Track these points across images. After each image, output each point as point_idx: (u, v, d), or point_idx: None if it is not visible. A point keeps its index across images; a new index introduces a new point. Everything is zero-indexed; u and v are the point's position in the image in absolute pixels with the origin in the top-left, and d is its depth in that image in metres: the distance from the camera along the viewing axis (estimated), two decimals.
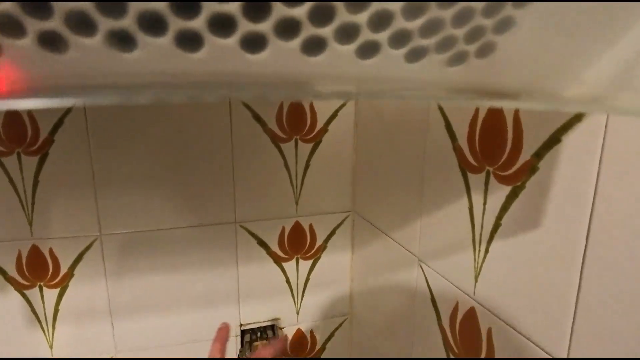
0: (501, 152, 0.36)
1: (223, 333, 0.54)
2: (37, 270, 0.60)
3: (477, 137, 0.39)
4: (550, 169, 0.31)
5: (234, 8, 0.09)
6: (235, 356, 0.70)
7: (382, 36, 0.11)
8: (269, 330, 0.71)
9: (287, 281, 0.70)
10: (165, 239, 0.63)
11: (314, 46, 0.11)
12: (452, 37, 0.12)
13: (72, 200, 0.58)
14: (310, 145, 0.66)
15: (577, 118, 0.29)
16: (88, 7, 0.09)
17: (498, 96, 0.19)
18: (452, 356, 0.45)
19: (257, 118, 0.62)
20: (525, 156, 0.33)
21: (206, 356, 0.53)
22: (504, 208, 0.36)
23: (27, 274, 0.60)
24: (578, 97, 0.21)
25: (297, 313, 0.73)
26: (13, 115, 0.55)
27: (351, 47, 0.11)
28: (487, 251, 0.38)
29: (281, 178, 0.66)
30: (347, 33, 0.11)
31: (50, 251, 0.60)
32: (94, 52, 0.10)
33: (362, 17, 0.10)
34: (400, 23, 0.11)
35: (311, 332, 0.74)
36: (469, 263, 0.41)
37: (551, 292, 0.32)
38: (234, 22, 0.10)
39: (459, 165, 0.41)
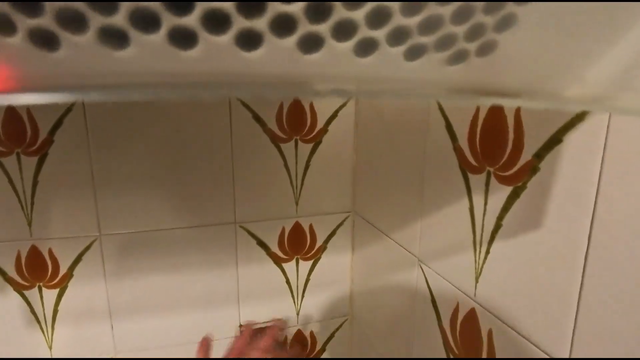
0: (502, 153, 0.35)
1: (204, 345, 0.54)
2: (37, 270, 0.60)
3: (477, 137, 0.38)
4: (552, 169, 0.31)
5: (228, 5, 0.09)
6: None
7: (380, 33, 0.11)
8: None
9: (287, 282, 0.70)
10: (165, 239, 0.63)
11: (311, 44, 0.11)
12: (452, 35, 0.12)
13: (71, 201, 0.58)
14: (310, 146, 0.66)
15: (579, 118, 0.29)
16: (79, 3, 0.09)
17: (498, 95, 0.19)
18: (452, 357, 0.44)
19: (257, 118, 0.62)
20: (526, 156, 0.33)
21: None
22: (505, 209, 0.36)
23: (26, 274, 0.60)
24: (579, 97, 0.21)
25: (297, 314, 0.72)
26: (12, 115, 0.55)
27: (348, 45, 0.11)
28: (487, 252, 0.38)
29: (281, 178, 0.65)
30: (344, 30, 0.10)
31: (50, 251, 0.59)
32: (86, 49, 0.10)
33: (359, 14, 0.10)
34: (398, 20, 0.11)
35: (311, 332, 0.74)
36: (469, 264, 0.40)
37: (552, 293, 0.31)
38: (229, 19, 0.10)
39: (460, 165, 0.41)
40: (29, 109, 0.55)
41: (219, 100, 0.61)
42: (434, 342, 0.47)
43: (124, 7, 0.09)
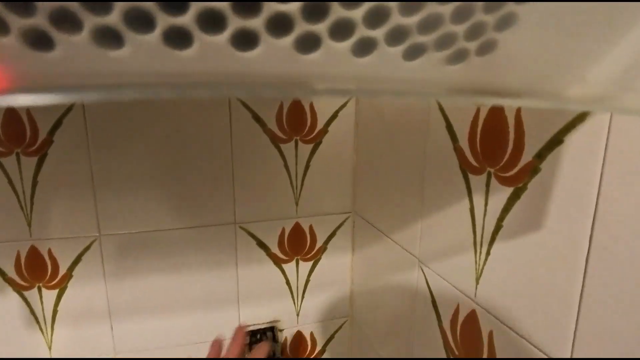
0: (502, 153, 0.35)
1: (215, 347, 0.53)
2: (36, 271, 0.60)
3: (478, 138, 0.38)
4: (553, 170, 0.31)
5: (223, 4, 0.09)
6: None
7: (379, 33, 0.11)
8: (269, 332, 0.71)
9: (287, 283, 0.70)
10: (165, 239, 0.63)
11: (308, 43, 0.10)
12: (452, 34, 0.12)
13: (71, 201, 0.58)
14: (310, 146, 0.65)
15: (580, 118, 0.29)
16: (72, 3, 0.09)
17: (499, 95, 0.19)
18: (452, 358, 0.44)
19: (257, 118, 0.62)
20: (527, 157, 0.33)
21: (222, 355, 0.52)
22: (506, 209, 0.35)
23: (25, 274, 0.59)
24: (580, 97, 0.21)
25: (297, 315, 0.72)
26: (12, 116, 0.55)
27: (346, 45, 0.11)
28: (488, 253, 0.38)
29: (281, 179, 0.65)
30: (342, 30, 0.10)
31: (49, 252, 0.59)
32: (80, 50, 0.10)
33: (357, 13, 0.10)
34: (397, 19, 0.10)
35: (311, 334, 0.74)
36: (470, 265, 0.40)
37: (553, 295, 0.31)
38: (224, 18, 0.09)
39: (460, 166, 0.41)
40: (28, 109, 0.55)
41: (219, 100, 0.60)
42: (434, 344, 0.47)
43: (118, 7, 0.09)
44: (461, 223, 0.41)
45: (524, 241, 0.34)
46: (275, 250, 0.68)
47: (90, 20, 0.09)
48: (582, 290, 0.29)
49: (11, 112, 0.54)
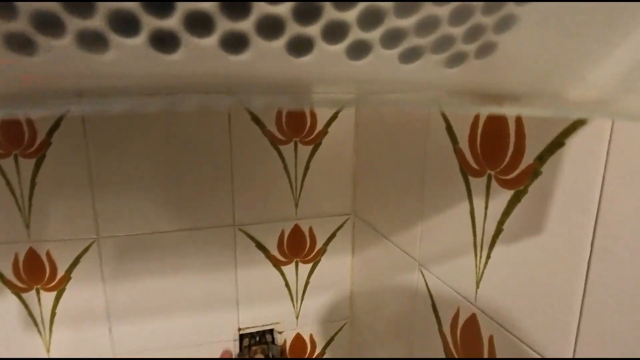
0: (503, 156, 0.35)
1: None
2: (34, 273, 0.59)
3: (478, 140, 0.38)
4: (554, 173, 0.30)
5: (210, 5, 0.09)
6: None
7: (374, 35, 0.10)
8: (268, 335, 0.70)
9: (287, 285, 0.70)
10: (164, 242, 0.62)
11: (300, 46, 0.10)
12: (450, 36, 0.11)
13: (69, 203, 0.58)
14: (310, 148, 0.65)
15: (582, 121, 0.29)
16: (54, 6, 0.09)
17: (498, 100, 0.19)
18: None
19: (256, 120, 0.62)
20: (527, 160, 0.32)
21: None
22: (506, 213, 0.35)
23: (24, 276, 0.59)
24: (582, 100, 0.20)
25: (297, 317, 0.72)
26: (10, 117, 0.54)
27: (340, 47, 0.10)
28: (488, 256, 0.37)
29: (280, 181, 0.65)
30: (336, 32, 0.10)
31: (48, 254, 0.59)
32: (64, 54, 0.09)
33: (350, 15, 0.09)
34: (392, 21, 0.10)
35: (311, 336, 0.74)
36: (470, 268, 0.40)
37: (555, 299, 0.31)
38: (212, 20, 0.09)
39: (460, 168, 0.40)
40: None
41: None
42: (434, 347, 0.47)
43: (102, 10, 0.09)
44: (461, 226, 0.41)
45: (524, 244, 0.34)
46: (275, 252, 0.68)
47: (74, 24, 0.09)
48: (584, 294, 0.29)
49: (10, 116, 0.54)
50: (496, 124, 0.35)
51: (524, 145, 0.33)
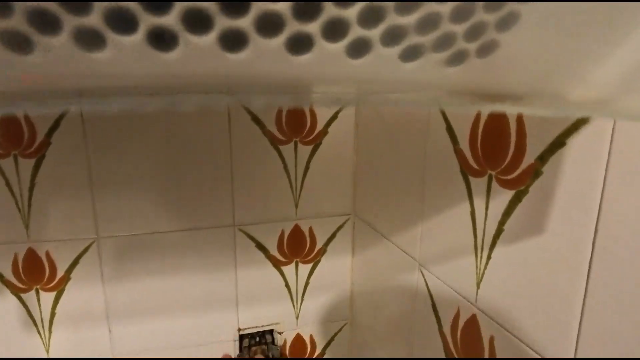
0: (504, 156, 0.35)
1: None
2: (34, 273, 0.59)
3: (479, 140, 0.38)
4: (555, 173, 0.30)
5: (209, 3, 0.09)
6: None
7: (374, 33, 0.10)
8: (268, 335, 0.70)
9: (287, 285, 0.70)
10: (163, 242, 0.62)
11: (300, 44, 0.10)
12: (451, 34, 0.11)
13: (69, 203, 0.58)
14: (310, 148, 0.65)
15: (583, 120, 0.28)
16: (50, 3, 0.08)
17: (499, 99, 0.19)
18: None
19: (256, 120, 0.62)
20: (528, 160, 0.32)
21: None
22: (507, 213, 0.35)
23: (23, 277, 0.59)
24: (583, 99, 0.20)
25: (297, 317, 0.72)
26: (9, 117, 0.54)
27: (340, 46, 0.10)
28: (489, 257, 0.37)
29: (280, 181, 0.65)
30: (335, 30, 0.10)
31: (47, 254, 0.59)
32: (61, 52, 0.09)
33: (351, 12, 0.09)
34: (393, 19, 0.10)
35: (311, 336, 0.73)
36: (470, 269, 0.40)
37: (556, 300, 0.31)
38: (210, 18, 0.09)
39: (461, 168, 0.40)
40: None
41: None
42: (434, 348, 0.47)
43: (98, 7, 0.08)
44: (462, 226, 0.40)
45: (525, 245, 0.33)
46: (275, 252, 0.67)
47: (70, 21, 0.09)
48: (585, 295, 0.29)
49: (9, 114, 0.54)
50: (497, 123, 0.35)
51: (525, 145, 0.33)
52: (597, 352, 0.28)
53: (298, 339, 0.73)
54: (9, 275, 0.59)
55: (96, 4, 0.08)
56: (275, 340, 0.70)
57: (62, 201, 0.58)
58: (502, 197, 0.35)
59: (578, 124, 0.29)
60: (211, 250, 0.64)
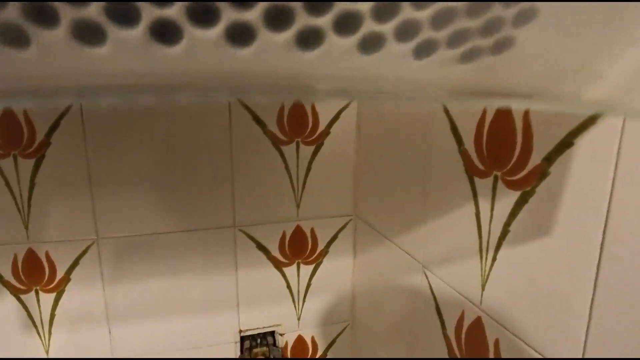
0: (510, 156, 0.34)
1: None
2: (33, 274, 0.59)
3: (484, 140, 0.37)
4: (562, 174, 0.30)
5: None
6: None
7: (387, 28, 0.10)
8: (269, 337, 0.70)
9: (288, 286, 0.69)
10: (164, 243, 0.62)
11: (309, 39, 0.09)
12: (466, 30, 0.11)
13: (68, 204, 0.57)
14: (311, 148, 0.64)
15: (591, 120, 0.28)
16: None
17: (509, 96, 0.18)
18: None
19: (257, 120, 0.61)
20: (535, 160, 0.32)
21: None
22: (513, 214, 0.34)
23: (23, 278, 0.59)
24: (596, 97, 0.20)
25: (298, 319, 0.71)
26: (9, 117, 0.54)
27: (352, 41, 0.10)
28: (494, 259, 0.37)
29: (282, 181, 0.64)
30: (347, 24, 0.09)
31: (47, 255, 0.59)
32: (58, 46, 0.09)
33: (363, 6, 0.09)
34: (407, 12, 0.09)
35: (312, 338, 0.73)
36: (475, 271, 0.39)
37: (563, 303, 0.30)
38: (217, 10, 0.08)
39: (465, 169, 0.40)
40: (25, 110, 0.54)
41: (219, 102, 0.60)
42: (438, 351, 0.46)
43: None
44: (466, 227, 0.40)
45: (531, 247, 0.33)
46: (276, 253, 0.67)
47: (68, 13, 0.08)
48: (592, 298, 0.28)
49: (8, 114, 0.54)
50: (503, 123, 0.35)
51: (531, 145, 0.32)
52: (605, 355, 0.27)
53: (299, 340, 0.72)
54: (9, 276, 0.58)
55: None
56: (277, 342, 0.70)
57: (61, 201, 0.57)
58: (508, 198, 0.35)
59: (586, 124, 0.28)
60: (212, 251, 0.64)
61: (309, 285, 0.70)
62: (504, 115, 0.35)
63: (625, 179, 0.26)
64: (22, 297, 0.59)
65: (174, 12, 0.08)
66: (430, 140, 0.45)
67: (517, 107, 0.32)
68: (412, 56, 0.11)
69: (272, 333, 0.70)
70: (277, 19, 0.09)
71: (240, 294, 0.67)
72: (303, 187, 0.65)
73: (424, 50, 0.11)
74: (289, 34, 0.09)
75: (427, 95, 0.17)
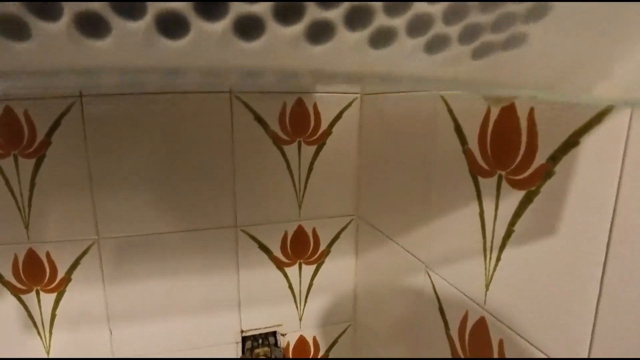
0: (514, 155, 0.34)
1: None
2: (34, 274, 0.59)
3: (488, 139, 0.37)
4: (567, 174, 0.30)
5: None
6: None
7: (399, 22, 0.09)
8: (271, 337, 0.69)
9: (290, 287, 0.69)
10: (165, 243, 0.61)
11: (319, 33, 0.09)
12: (478, 25, 0.11)
13: (69, 203, 0.57)
14: (313, 148, 0.64)
15: (597, 119, 0.28)
16: None
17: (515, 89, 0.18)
18: None
19: (259, 119, 0.61)
20: (540, 159, 0.32)
21: None
22: (517, 214, 0.34)
23: (23, 278, 0.58)
24: (605, 95, 0.19)
25: (300, 319, 0.71)
26: (9, 117, 0.54)
27: (362, 35, 0.09)
28: (498, 259, 0.36)
29: (284, 181, 0.64)
30: (358, 18, 0.09)
31: (47, 255, 0.58)
32: (60, 39, 0.09)
33: None
34: (420, 7, 0.09)
35: (314, 338, 0.73)
36: (479, 271, 0.39)
37: (568, 303, 0.30)
38: (225, 2, 0.08)
39: (469, 168, 0.39)
40: (26, 110, 0.54)
41: (220, 101, 0.59)
42: (441, 351, 0.46)
43: None
44: (470, 227, 0.40)
45: (536, 247, 0.33)
46: (278, 253, 0.67)
47: (71, 4, 0.08)
48: (598, 299, 0.28)
49: (8, 113, 0.53)
50: (507, 122, 0.35)
51: (536, 145, 0.32)
52: (610, 356, 0.27)
53: (301, 340, 0.72)
54: (9, 276, 0.58)
55: None
56: (278, 342, 0.70)
57: (62, 201, 0.57)
58: (512, 198, 0.34)
59: (592, 123, 0.28)
60: (213, 252, 0.63)
61: (310, 285, 0.70)
62: (508, 114, 0.34)
63: (632, 178, 0.25)
64: (23, 297, 0.59)
65: (180, 4, 0.08)
66: (434, 139, 0.45)
67: (525, 95, 0.32)
68: (423, 51, 0.11)
69: (274, 333, 0.70)
70: (287, 12, 0.09)
71: (242, 294, 0.66)
72: (305, 187, 0.65)
73: (436, 45, 0.11)
74: (298, 28, 0.09)
75: (434, 87, 0.17)
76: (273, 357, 0.68)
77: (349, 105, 0.65)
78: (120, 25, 0.08)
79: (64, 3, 0.08)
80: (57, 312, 0.61)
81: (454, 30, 0.10)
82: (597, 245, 0.28)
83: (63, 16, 0.08)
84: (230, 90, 0.59)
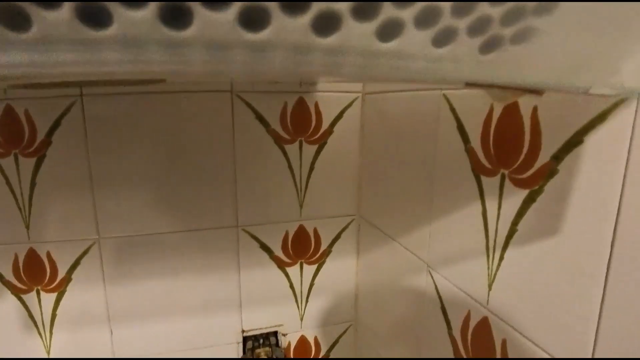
0: (517, 154, 0.34)
1: None
2: (35, 274, 0.58)
3: (491, 138, 0.37)
4: (571, 172, 0.29)
5: None
6: None
7: (407, 14, 0.09)
8: (272, 337, 0.69)
9: (291, 286, 0.69)
10: (166, 242, 0.61)
11: (326, 24, 0.09)
12: (487, 17, 0.10)
13: (69, 203, 0.57)
14: (315, 147, 0.64)
15: (601, 118, 0.27)
16: None
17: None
18: None
19: (260, 118, 0.61)
20: (543, 158, 0.31)
21: None
22: (520, 213, 0.34)
23: (24, 277, 0.58)
24: (610, 91, 0.19)
25: (301, 319, 0.71)
26: (10, 116, 0.53)
27: (370, 27, 0.09)
28: (501, 258, 0.36)
29: (285, 181, 0.64)
30: (366, 8, 0.09)
31: (48, 255, 0.58)
32: (60, 28, 0.08)
33: None
34: None
35: (315, 338, 0.72)
36: (482, 270, 0.39)
37: (572, 304, 0.30)
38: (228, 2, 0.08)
39: (472, 167, 0.39)
40: (27, 109, 0.54)
41: (221, 100, 0.59)
42: (443, 351, 0.46)
43: None
44: (473, 227, 0.39)
45: (539, 246, 0.32)
46: (279, 253, 0.66)
47: None
48: (602, 299, 0.28)
49: (9, 113, 0.53)
50: (510, 121, 0.34)
51: (539, 143, 0.32)
52: (614, 356, 0.27)
53: (302, 340, 0.72)
54: (10, 276, 0.58)
55: None
56: (279, 342, 0.69)
57: (62, 201, 0.57)
58: (515, 197, 0.34)
59: (596, 121, 0.28)
60: (214, 251, 0.63)
61: (311, 285, 0.70)
62: (511, 113, 0.34)
63: (636, 177, 0.25)
64: (23, 297, 0.59)
65: None
66: (436, 138, 0.45)
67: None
68: (431, 44, 0.10)
69: (275, 333, 0.70)
70: (294, 2, 0.08)
71: (243, 294, 0.66)
72: (306, 187, 0.65)
73: (444, 38, 0.10)
74: (305, 19, 0.09)
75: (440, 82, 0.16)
76: (274, 357, 0.68)
77: (351, 104, 0.64)
78: (123, 15, 0.08)
79: None
80: (58, 312, 0.60)
81: (462, 23, 0.10)
82: (601, 245, 0.27)
83: (64, 4, 0.08)
84: (231, 89, 0.59)
